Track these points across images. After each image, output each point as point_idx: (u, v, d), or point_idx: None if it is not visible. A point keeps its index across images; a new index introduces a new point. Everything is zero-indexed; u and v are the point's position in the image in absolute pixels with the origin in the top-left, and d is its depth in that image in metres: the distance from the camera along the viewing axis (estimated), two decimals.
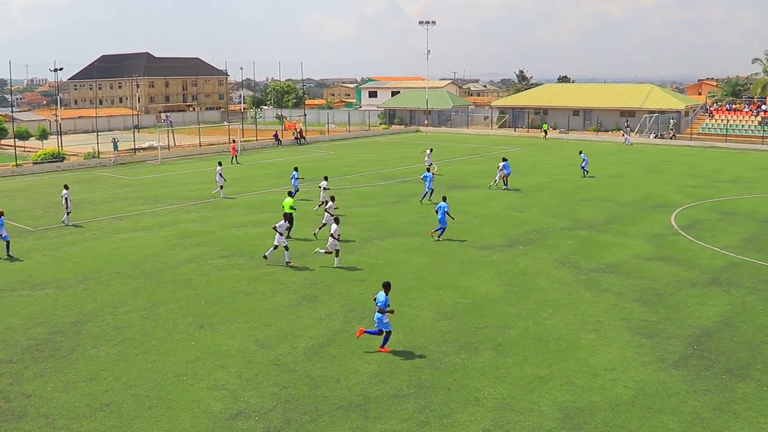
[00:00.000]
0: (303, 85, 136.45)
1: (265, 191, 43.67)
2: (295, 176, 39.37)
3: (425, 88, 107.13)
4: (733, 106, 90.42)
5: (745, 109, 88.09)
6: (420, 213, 35.66)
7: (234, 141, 64.75)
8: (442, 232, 29.97)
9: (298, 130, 79.84)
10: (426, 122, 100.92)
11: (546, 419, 14.75)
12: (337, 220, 26.25)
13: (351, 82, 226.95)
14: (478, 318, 20.49)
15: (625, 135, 78.94)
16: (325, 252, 26.00)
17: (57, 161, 59.14)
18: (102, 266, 26.35)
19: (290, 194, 30.44)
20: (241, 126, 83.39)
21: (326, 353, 18.05)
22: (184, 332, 19.56)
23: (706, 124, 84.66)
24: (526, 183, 45.81)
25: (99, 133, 71.98)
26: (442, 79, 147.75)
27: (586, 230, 32.03)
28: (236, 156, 60.44)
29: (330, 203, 30.54)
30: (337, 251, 25.76)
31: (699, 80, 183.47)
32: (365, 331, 18.29)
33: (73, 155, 64.55)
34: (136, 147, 68.20)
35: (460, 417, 14.84)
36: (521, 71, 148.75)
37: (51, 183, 49.30)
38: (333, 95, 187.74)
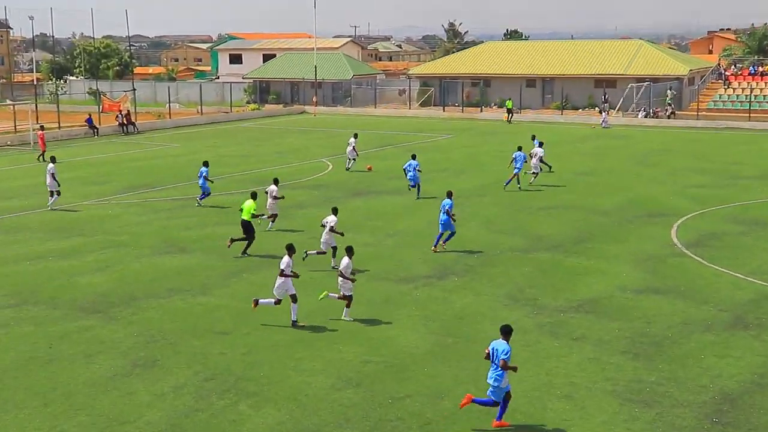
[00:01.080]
0: (130, 46, 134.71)
1: (74, 205, 42.86)
2: (205, 174, 40.82)
3: (313, 49, 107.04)
4: (760, 69, 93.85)
5: None
6: (311, 233, 35.63)
7: (43, 128, 63.31)
8: (448, 238, 32.81)
9: (123, 114, 78.58)
10: (315, 99, 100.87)
11: None
12: (349, 251, 25.06)
13: (203, 42, 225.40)
14: (396, 384, 20.60)
15: (603, 114, 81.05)
16: (338, 298, 25.07)
17: None
18: None
19: (253, 196, 33.28)
20: (34, 106, 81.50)
21: None
22: None
23: (720, 95, 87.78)
24: (460, 185, 46.53)
25: None
26: (338, 37, 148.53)
27: (549, 252, 32.74)
28: (45, 150, 59.20)
29: (331, 218, 30.28)
30: (350, 298, 24.95)
31: (709, 32, 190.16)
32: (474, 401, 18.31)
33: None
34: None
35: None
36: (452, 24, 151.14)
37: None
38: (176, 60, 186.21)
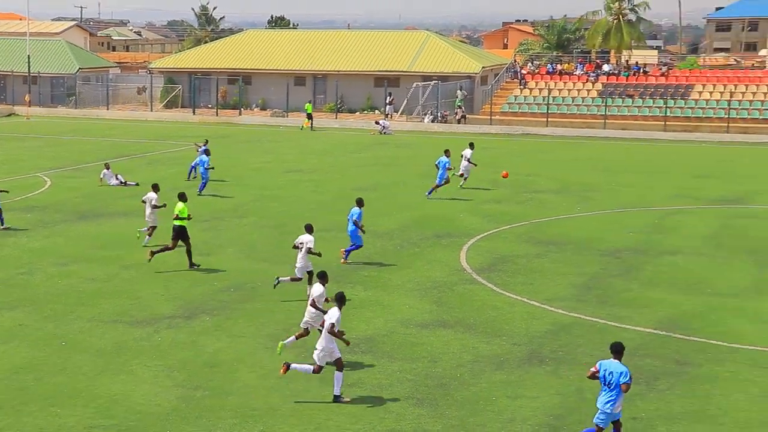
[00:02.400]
0: None
1: None
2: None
3: (26, 34, 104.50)
4: (559, 67, 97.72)
5: (578, 71, 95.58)
6: (18, 267, 34.82)
7: None
8: (349, 252, 35.73)
9: None
10: (28, 98, 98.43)
11: None
12: (322, 277, 25.90)
13: None
14: None
15: (382, 118, 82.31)
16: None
17: None
18: None
19: (182, 197, 34.58)
20: None
21: None
22: None
23: (516, 97, 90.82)
24: (215, 204, 46.87)
25: None
26: (59, 20, 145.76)
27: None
28: None
29: (306, 237, 30.55)
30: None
31: (504, 24, 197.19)
32: None
33: None
34: None
35: None
36: (204, 8, 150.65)
37: None
38: None
